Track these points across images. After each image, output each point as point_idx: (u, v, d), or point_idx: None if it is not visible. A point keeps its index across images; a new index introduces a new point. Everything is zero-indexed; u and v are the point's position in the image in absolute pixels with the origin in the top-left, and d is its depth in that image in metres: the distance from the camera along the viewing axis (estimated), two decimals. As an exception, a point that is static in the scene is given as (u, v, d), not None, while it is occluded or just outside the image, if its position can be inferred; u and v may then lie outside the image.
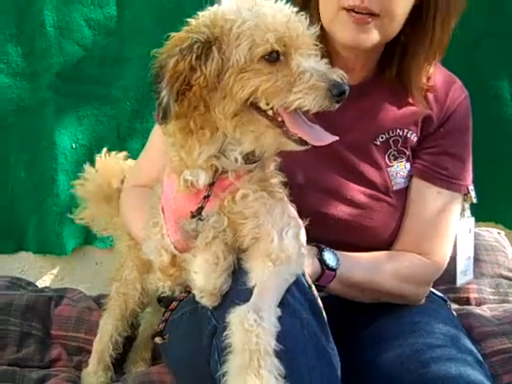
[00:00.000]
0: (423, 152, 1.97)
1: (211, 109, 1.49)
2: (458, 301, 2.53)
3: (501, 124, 3.11)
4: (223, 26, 1.46)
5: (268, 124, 1.50)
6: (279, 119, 1.49)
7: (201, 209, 1.55)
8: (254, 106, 1.48)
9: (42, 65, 2.86)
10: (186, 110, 1.49)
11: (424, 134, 1.97)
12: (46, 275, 3.06)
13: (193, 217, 1.56)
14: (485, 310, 2.42)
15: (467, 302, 2.56)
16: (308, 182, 1.86)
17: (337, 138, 1.52)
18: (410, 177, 1.97)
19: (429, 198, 1.96)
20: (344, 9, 1.79)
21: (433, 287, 2.12)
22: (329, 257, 1.77)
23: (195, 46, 1.44)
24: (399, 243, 1.97)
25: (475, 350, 1.85)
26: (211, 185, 1.55)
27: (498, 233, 2.85)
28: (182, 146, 1.55)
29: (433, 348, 1.76)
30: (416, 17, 1.89)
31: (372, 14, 1.78)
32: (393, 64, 1.95)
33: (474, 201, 2.04)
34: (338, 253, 1.80)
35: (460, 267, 2.13)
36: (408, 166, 1.96)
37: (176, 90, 1.46)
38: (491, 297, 2.59)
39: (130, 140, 2.94)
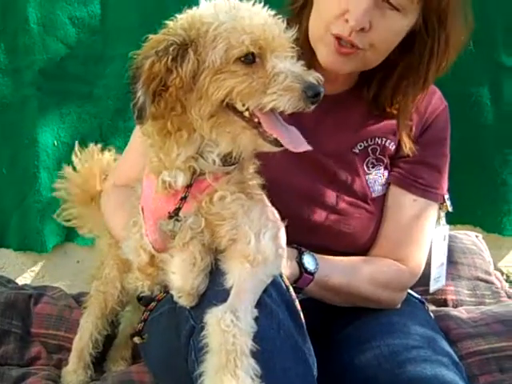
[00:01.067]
0: (401, 160, 1.98)
1: (188, 110, 1.49)
2: (435, 302, 2.55)
3: (480, 130, 3.14)
4: (200, 29, 1.47)
5: (244, 125, 1.50)
6: (255, 120, 1.50)
7: (178, 209, 1.56)
8: (231, 107, 1.49)
9: (25, 62, 2.85)
10: (163, 110, 1.50)
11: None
12: (26, 272, 3.05)
13: (170, 217, 1.57)
14: (462, 312, 2.44)
15: (444, 303, 2.58)
16: (288, 188, 1.87)
17: (310, 148, 1.52)
18: (388, 184, 1.99)
19: (405, 205, 1.97)
20: (332, 34, 1.79)
21: (410, 289, 2.13)
22: (308, 260, 1.79)
23: (171, 48, 1.44)
24: (376, 249, 1.98)
25: (451, 352, 1.87)
26: (189, 186, 1.56)
27: (476, 236, 2.87)
28: (160, 148, 1.56)
29: (409, 349, 1.77)
30: (404, 48, 1.89)
31: (356, 47, 1.79)
32: (371, 87, 1.96)
33: (450, 209, 2.05)
34: (318, 256, 1.81)
35: (434, 274, 2.14)
36: (386, 173, 1.98)
37: (152, 90, 1.46)
38: (468, 299, 2.61)
39: (112, 138, 2.93)
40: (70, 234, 2.98)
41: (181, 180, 1.56)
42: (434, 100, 2.01)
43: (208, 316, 1.45)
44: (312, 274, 1.78)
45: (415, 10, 1.80)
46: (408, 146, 1.96)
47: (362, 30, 1.76)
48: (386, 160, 1.97)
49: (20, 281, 2.97)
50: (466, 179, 3.12)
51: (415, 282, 2.12)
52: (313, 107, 1.46)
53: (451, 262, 2.66)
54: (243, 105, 1.48)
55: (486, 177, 3.18)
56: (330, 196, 1.92)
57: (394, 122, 1.97)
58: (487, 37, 3.06)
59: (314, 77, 1.46)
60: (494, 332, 2.24)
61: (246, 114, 1.49)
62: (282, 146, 1.50)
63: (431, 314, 2.14)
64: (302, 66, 1.49)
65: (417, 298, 2.14)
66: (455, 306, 2.56)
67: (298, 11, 1.92)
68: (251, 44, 1.45)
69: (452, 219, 2.96)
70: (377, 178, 1.97)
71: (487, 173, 3.18)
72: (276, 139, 1.50)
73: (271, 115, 1.49)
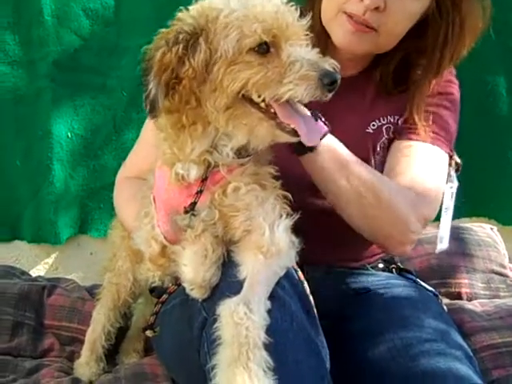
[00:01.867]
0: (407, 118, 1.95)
1: (202, 103, 1.48)
2: (449, 295, 2.54)
3: (495, 120, 3.11)
4: (209, 15, 1.45)
5: (261, 116, 1.49)
6: (272, 111, 1.48)
7: (194, 204, 1.56)
8: (247, 99, 1.48)
9: (39, 54, 2.84)
10: (178, 104, 1.49)
11: None
12: (40, 264, 3.06)
13: (186, 212, 1.56)
14: (476, 305, 2.42)
15: (458, 296, 2.56)
16: (300, 179, 1.84)
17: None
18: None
19: (414, 149, 1.90)
20: (344, 12, 1.79)
21: (424, 281, 2.13)
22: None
23: (180, 37, 1.43)
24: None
25: (465, 345, 1.86)
26: (204, 180, 1.55)
27: (491, 228, 2.85)
28: (174, 141, 1.55)
29: (422, 342, 1.76)
30: (418, 33, 1.88)
31: (370, 27, 1.79)
32: (384, 71, 1.94)
33: (458, 160, 1.99)
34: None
35: (442, 233, 2.04)
36: None
37: (164, 82, 1.45)
38: (482, 292, 2.59)
39: (125, 130, 2.93)
40: (83, 226, 2.99)
41: (194, 173, 1.55)
42: (446, 74, 1.98)
43: (221, 308, 1.45)
44: (326, 125, 1.65)
45: None
46: (424, 131, 1.91)
47: (377, 9, 1.76)
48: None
49: (34, 272, 2.98)
50: (480, 171, 3.10)
51: (429, 274, 2.11)
52: (330, 95, 1.45)
53: (466, 254, 2.65)
54: (259, 96, 1.46)
55: (501, 169, 3.15)
56: None
57: (405, 98, 1.94)
58: (506, 25, 3.02)
59: (329, 64, 1.45)
60: (507, 325, 2.23)
61: (262, 104, 1.48)
62: (297, 136, 1.49)
63: (445, 307, 2.12)
64: (317, 54, 1.47)
65: (430, 291, 2.11)
66: (469, 299, 2.55)
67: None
68: (264, 33, 1.43)
69: (467, 211, 2.98)
70: (384, 159, 1.95)
71: (502, 165, 3.15)
72: (293, 129, 1.48)
73: (287, 105, 1.48)
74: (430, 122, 1.92)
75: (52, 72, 2.86)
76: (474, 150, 3.01)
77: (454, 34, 1.85)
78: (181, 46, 1.43)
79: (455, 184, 2.02)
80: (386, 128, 1.94)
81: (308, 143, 1.50)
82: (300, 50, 1.46)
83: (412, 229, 1.82)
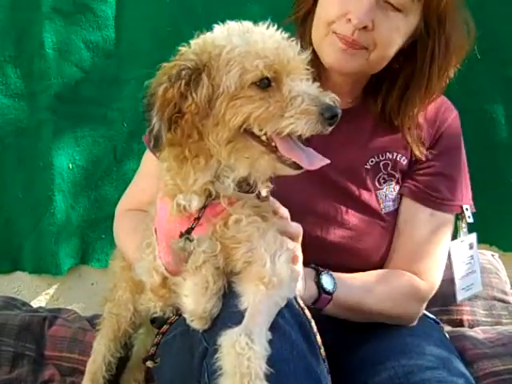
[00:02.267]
0: (415, 173, 1.99)
1: (205, 136, 1.49)
2: (451, 322, 2.55)
3: (496, 148, 3.12)
4: (212, 52, 1.47)
5: (263, 150, 1.51)
6: (273, 144, 1.50)
7: (190, 229, 1.56)
8: (248, 132, 1.49)
9: (41, 86, 2.88)
10: (180, 138, 1.50)
11: (415, 156, 1.98)
12: (41, 295, 3.06)
13: (181, 236, 1.57)
14: (478, 332, 2.43)
15: (460, 323, 2.57)
16: (301, 207, 1.87)
17: (328, 161, 1.53)
18: (398, 199, 1.99)
19: (421, 219, 1.97)
20: (334, 32, 1.83)
21: (425, 309, 2.12)
22: (326, 280, 1.79)
23: (183, 73, 1.45)
24: (391, 263, 1.98)
25: (467, 373, 1.85)
26: (203, 208, 1.56)
27: (492, 255, 2.86)
28: (176, 173, 1.56)
29: (424, 370, 1.76)
30: (407, 57, 1.93)
31: (360, 46, 1.82)
32: (378, 99, 1.98)
33: (469, 220, 2.04)
34: (336, 275, 1.82)
35: (459, 284, 2.12)
36: (397, 188, 1.98)
37: (167, 117, 1.46)
38: (484, 319, 2.59)
39: (126, 161, 2.95)
40: (84, 257, 2.99)
41: (195, 204, 1.56)
42: (444, 109, 2.02)
43: (222, 338, 1.44)
44: (330, 293, 1.78)
45: (416, 10, 1.84)
46: (419, 150, 1.96)
47: (365, 28, 1.80)
48: (398, 175, 1.98)
49: (35, 303, 2.98)
50: (482, 198, 3.07)
51: (431, 302, 2.11)
52: (330, 129, 1.46)
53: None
54: (260, 129, 1.48)
55: (502, 195, 3.15)
56: (342, 213, 1.94)
57: (404, 135, 1.97)
58: (499, 53, 3.06)
59: (330, 98, 1.47)
60: (510, 352, 2.23)
61: (264, 138, 1.49)
62: (300, 168, 1.51)
63: (446, 335, 2.12)
64: (318, 88, 1.49)
65: (432, 319, 2.13)
66: (471, 327, 2.55)
67: (302, 19, 1.95)
68: (265, 68, 1.45)
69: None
70: (388, 193, 1.97)
71: (503, 191, 3.15)
72: (294, 162, 1.50)
73: (287, 138, 1.50)
74: (444, 188, 1.98)
75: (53, 104, 2.88)
76: (474, 177, 3.00)
77: (440, 51, 1.89)
78: (183, 81, 1.45)
79: (472, 235, 2.12)
80: (383, 164, 1.97)
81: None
82: (301, 85, 1.48)
83: (418, 316, 2.01)
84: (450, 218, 2.01)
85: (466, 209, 2.03)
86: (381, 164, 1.97)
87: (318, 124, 1.44)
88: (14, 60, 2.87)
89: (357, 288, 1.87)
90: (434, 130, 1.99)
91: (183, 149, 1.51)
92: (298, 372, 1.49)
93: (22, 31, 2.87)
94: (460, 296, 2.14)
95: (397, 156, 1.97)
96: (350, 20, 1.79)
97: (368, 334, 1.94)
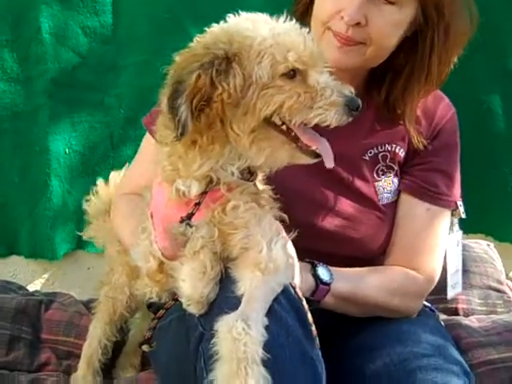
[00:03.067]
0: (412, 168, 2.00)
1: (227, 125, 1.50)
2: (446, 311, 2.56)
3: (492, 138, 3.14)
4: (242, 43, 1.48)
5: (284, 139, 1.54)
6: (293, 134, 1.53)
7: (191, 214, 1.57)
8: (270, 122, 1.51)
9: (37, 71, 2.86)
10: (202, 126, 1.50)
11: (412, 150, 1.99)
12: (37, 279, 3.06)
13: (182, 221, 1.57)
14: (473, 321, 2.44)
15: (456, 312, 2.59)
16: (297, 195, 1.88)
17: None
18: (397, 191, 2.00)
19: (418, 214, 1.98)
20: (330, 29, 1.84)
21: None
22: (322, 272, 1.79)
23: (216, 61, 1.45)
24: (390, 258, 1.99)
25: (462, 361, 1.86)
26: (203, 193, 1.57)
27: (488, 245, 2.89)
28: (180, 157, 1.56)
29: (419, 357, 1.77)
30: (411, 47, 1.92)
31: (356, 41, 1.83)
32: (382, 90, 1.98)
33: (463, 216, 2.06)
34: (333, 268, 1.82)
35: (450, 281, 2.15)
36: (396, 180, 1.99)
37: (195, 105, 1.46)
38: (479, 308, 2.62)
39: (123, 147, 2.95)
40: (80, 242, 2.98)
41: (195, 189, 1.57)
42: (442, 106, 2.03)
43: (219, 324, 1.45)
44: (328, 284, 1.78)
45: (410, 2, 1.84)
46: (417, 139, 1.97)
47: (358, 24, 1.80)
48: (396, 167, 1.99)
49: (31, 287, 2.99)
50: (477, 188, 3.12)
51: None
52: (351, 120, 1.52)
53: (463, 270, 2.65)
54: (282, 119, 1.51)
55: (498, 186, 3.17)
56: (338, 202, 1.94)
57: (402, 127, 1.98)
58: (497, 44, 3.07)
59: (349, 90, 1.52)
60: (504, 341, 2.25)
61: (284, 127, 1.53)
62: (318, 157, 1.55)
63: (442, 323, 2.13)
64: (336, 80, 1.53)
65: (427, 307, 2.13)
66: (466, 315, 2.57)
67: (300, 16, 1.95)
68: (296, 60, 1.49)
69: (464, 228, 2.97)
70: (385, 185, 1.98)
71: (499, 182, 3.18)
72: (314, 151, 1.54)
73: (307, 129, 1.53)
74: (441, 183, 1.99)
75: (50, 89, 2.88)
76: (471, 168, 3.02)
77: (439, 38, 1.89)
78: (215, 69, 1.45)
79: (459, 233, 2.12)
80: (382, 156, 1.98)
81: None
82: (324, 77, 1.52)
83: (417, 310, 2.01)
84: (447, 213, 2.02)
85: (460, 205, 2.04)
86: (379, 156, 1.97)
87: (344, 115, 1.50)
88: (11, 44, 2.86)
89: (353, 278, 1.88)
90: (433, 126, 2.00)
91: (201, 136, 1.51)
92: (294, 357, 1.50)
93: (19, 16, 2.85)
94: (449, 293, 2.17)
95: (395, 148, 1.98)
96: (343, 18, 1.81)
97: (364, 320, 1.95)
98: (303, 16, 1.96)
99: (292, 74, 1.49)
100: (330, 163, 1.57)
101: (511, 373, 2.15)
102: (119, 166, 2.83)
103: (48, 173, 2.88)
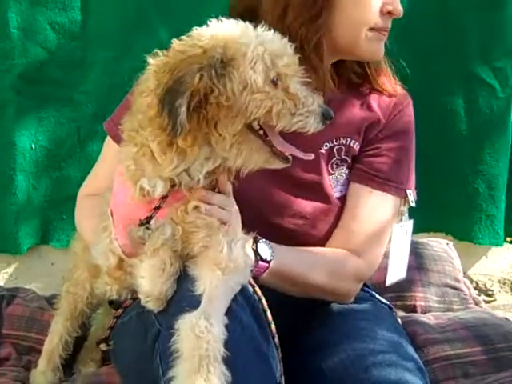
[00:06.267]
0: (361, 155, 2.02)
1: (213, 127, 1.52)
2: (404, 308, 2.61)
3: (454, 139, 3.18)
4: (238, 48, 1.51)
5: (261, 144, 1.57)
6: (268, 139, 1.57)
7: (150, 218, 1.59)
8: (249, 127, 1.55)
9: (5, 66, 2.85)
10: (191, 126, 1.50)
11: (366, 140, 2.02)
12: (0, 274, 3.05)
13: (141, 225, 1.59)
14: (429, 318, 2.48)
15: (413, 309, 2.63)
16: (260, 197, 1.92)
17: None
18: (347, 183, 2.03)
19: (361, 196, 2.00)
20: (371, 29, 1.90)
21: (380, 295, 2.18)
22: (263, 248, 1.79)
23: (217, 65, 1.48)
24: (332, 240, 2.00)
25: (417, 358, 1.89)
26: (164, 197, 1.59)
27: (447, 243, 2.93)
28: (151, 157, 1.57)
29: (375, 353, 1.79)
30: None
31: None
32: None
33: (412, 204, 2.05)
34: (273, 245, 1.82)
35: (390, 268, 2.12)
36: (348, 172, 2.02)
37: (192, 107, 1.48)
38: (437, 305, 2.66)
39: (90, 142, 2.94)
40: (45, 237, 2.99)
41: (160, 189, 1.58)
42: (398, 96, 2.06)
43: (180, 321, 1.48)
44: (268, 261, 1.79)
45: None
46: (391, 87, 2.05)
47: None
48: (350, 160, 2.01)
49: (-7, 282, 2.98)
50: (439, 188, 3.18)
51: (384, 288, 2.16)
52: (323, 127, 1.59)
53: (422, 268, 2.72)
54: (258, 124, 1.55)
55: (458, 185, 3.22)
56: (295, 202, 1.96)
57: (358, 121, 2.01)
58: (461, 47, 3.12)
59: (322, 100, 1.60)
60: (459, 338, 2.29)
61: (261, 132, 1.57)
62: (288, 162, 1.61)
63: (399, 320, 2.17)
64: (309, 90, 1.59)
65: (385, 304, 2.16)
66: (424, 312, 2.61)
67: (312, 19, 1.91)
68: (284, 66, 1.54)
69: (424, 227, 3.05)
70: (339, 177, 2.01)
71: (460, 182, 3.22)
72: (286, 157, 1.60)
73: (278, 135, 1.59)
74: (387, 168, 2.01)
75: (17, 84, 2.86)
76: (432, 168, 3.08)
77: None
78: (214, 73, 1.48)
79: (410, 222, 2.11)
80: (337, 149, 2.00)
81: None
82: (303, 87, 1.58)
83: (355, 293, 2.04)
84: (392, 199, 2.02)
85: (410, 193, 2.04)
86: (335, 149, 2.00)
87: (320, 123, 1.57)
88: (-22, 39, 2.84)
89: (296, 259, 1.89)
90: (387, 114, 2.03)
91: (184, 137, 1.52)
92: (247, 352, 1.54)
93: (-14, 11, 2.84)
94: (389, 280, 2.14)
95: (350, 141, 2.00)
96: (389, 12, 1.90)
97: (321, 317, 1.98)
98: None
99: (276, 81, 1.53)
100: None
101: (465, 369, 2.19)
102: (85, 162, 2.87)
103: (13, 168, 2.87)
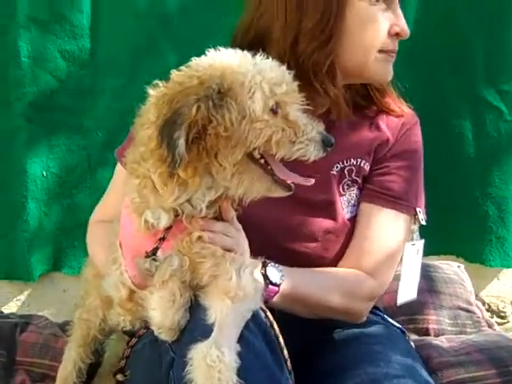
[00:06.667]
0: (370, 175, 2.02)
1: (213, 157, 1.52)
2: (417, 331, 2.59)
3: (462, 162, 3.19)
4: (235, 78, 1.51)
5: (262, 173, 1.57)
6: (269, 168, 1.57)
7: (156, 249, 1.59)
8: (249, 155, 1.54)
9: (16, 94, 2.89)
10: (191, 157, 1.50)
11: (375, 159, 2.02)
12: (12, 301, 3.06)
13: (147, 257, 1.60)
14: (443, 341, 2.47)
15: (426, 332, 2.61)
16: (266, 222, 1.91)
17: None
18: (358, 204, 2.03)
19: (372, 216, 1.99)
20: (380, 51, 1.92)
21: (392, 318, 2.16)
22: (272, 272, 1.78)
23: (214, 96, 1.48)
24: (344, 261, 1.99)
25: (431, 381, 1.87)
26: (168, 228, 1.59)
27: (458, 266, 2.92)
28: (153, 189, 1.57)
29: (390, 378, 1.77)
30: None
31: None
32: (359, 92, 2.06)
33: (423, 223, 2.04)
34: (283, 268, 1.81)
35: (401, 287, 2.10)
36: (358, 193, 2.02)
37: (190, 138, 1.48)
38: (449, 328, 2.65)
39: (100, 169, 2.97)
40: (57, 263, 3.00)
41: (164, 221, 1.58)
42: (406, 115, 2.06)
43: (193, 351, 1.47)
44: (277, 285, 1.78)
45: None
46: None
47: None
48: (360, 181, 2.01)
49: (6, 309, 2.98)
50: (449, 211, 3.17)
51: (396, 312, 2.15)
52: (324, 155, 1.58)
53: (433, 291, 2.71)
54: (259, 153, 1.54)
55: (468, 208, 3.22)
56: (308, 224, 1.96)
57: (367, 142, 2.02)
58: (467, 70, 3.14)
59: (323, 127, 1.59)
60: (473, 361, 2.28)
61: (262, 161, 1.56)
62: (290, 191, 1.60)
63: (412, 344, 2.15)
64: (309, 117, 1.59)
65: (398, 328, 2.15)
66: (436, 335, 2.59)
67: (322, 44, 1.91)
68: (283, 94, 1.54)
69: (435, 249, 3.04)
70: (350, 199, 2.01)
71: (470, 205, 3.22)
72: (289, 185, 1.59)
73: (280, 163, 1.58)
74: (397, 187, 2.01)
75: (28, 112, 2.90)
76: (441, 191, 3.08)
77: None
78: (211, 103, 1.47)
79: (421, 241, 2.09)
80: (348, 170, 2.00)
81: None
82: (302, 114, 1.58)
83: (367, 312, 2.02)
84: (403, 217, 2.02)
85: (420, 211, 2.04)
86: (345, 170, 2.00)
87: (321, 150, 1.56)
88: (-11, 67, 2.87)
89: (306, 281, 1.88)
90: (395, 134, 2.04)
91: (185, 168, 1.52)
92: (262, 380, 1.53)
93: (-3, 39, 2.87)
94: (400, 300, 2.12)
95: (360, 162, 2.01)
96: (397, 34, 1.92)
97: (334, 342, 1.97)
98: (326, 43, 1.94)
99: (275, 109, 1.53)
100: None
101: (480, 392, 2.17)
102: (96, 189, 2.88)
103: (25, 195, 2.90)
